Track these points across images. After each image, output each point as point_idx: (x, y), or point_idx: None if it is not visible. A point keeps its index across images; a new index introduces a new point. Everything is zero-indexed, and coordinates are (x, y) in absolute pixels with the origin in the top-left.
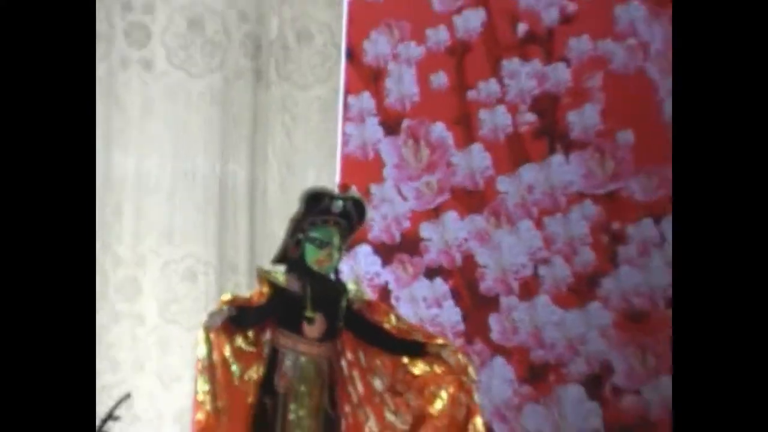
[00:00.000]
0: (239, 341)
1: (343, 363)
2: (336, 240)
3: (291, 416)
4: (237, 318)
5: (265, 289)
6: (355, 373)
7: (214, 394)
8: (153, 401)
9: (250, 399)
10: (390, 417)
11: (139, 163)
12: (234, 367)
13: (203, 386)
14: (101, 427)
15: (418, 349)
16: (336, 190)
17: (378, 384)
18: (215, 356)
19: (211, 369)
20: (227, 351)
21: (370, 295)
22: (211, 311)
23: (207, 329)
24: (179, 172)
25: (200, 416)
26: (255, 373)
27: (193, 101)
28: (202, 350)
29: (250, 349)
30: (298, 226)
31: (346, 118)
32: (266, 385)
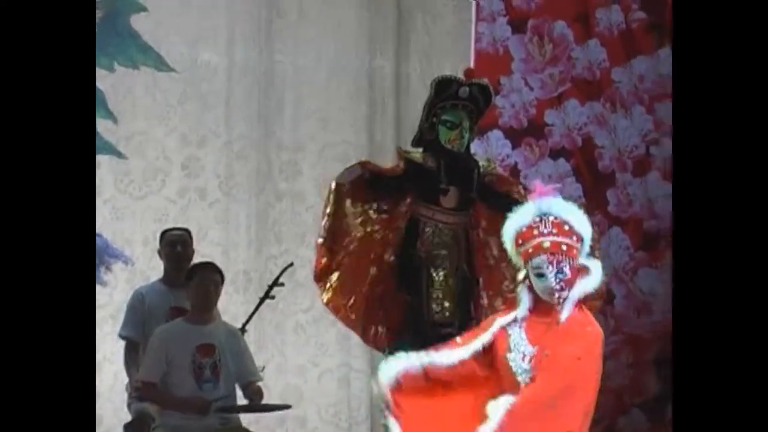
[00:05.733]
0: (369, 204)
1: (480, 231)
2: (465, 121)
3: (434, 276)
4: (371, 181)
5: (402, 165)
6: (491, 239)
7: (333, 239)
8: (313, 269)
9: (386, 256)
10: None
11: (295, 60)
12: (359, 223)
13: (324, 231)
14: (268, 291)
15: None
16: (462, 78)
17: None
18: (339, 207)
19: (334, 217)
20: (353, 206)
21: (500, 169)
22: (346, 168)
23: (337, 183)
24: (333, 67)
25: (319, 257)
26: (390, 234)
27: (343, 3)
28: (330, 199)
29: (383, 215)
30: (432, 111)
31: (478, 18)
32: (407, 248)
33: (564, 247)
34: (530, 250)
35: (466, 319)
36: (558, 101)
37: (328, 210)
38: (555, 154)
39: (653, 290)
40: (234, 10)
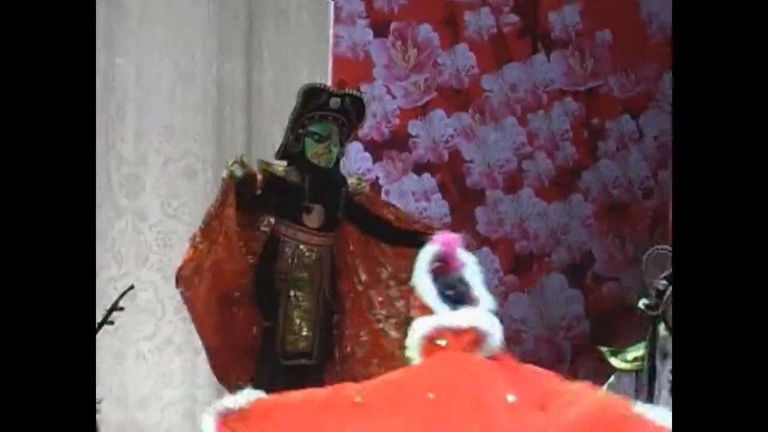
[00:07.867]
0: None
1: (347, 254)
2: (335, 135)
3: (291, 299)
4: (240, 187)
5: (263, 179)
6: (359, 263)
7: (207, 235)
8: (155, 294)
9: (243, 277)
10: (396, 303)
11: (139, 64)
12: (233, 226)
13: (201, 224)
14: (107, 317)
15: (415, 238)
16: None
17: (383, 273)
18: (224, 203)
19: (216, 211)
20: (232, 209)
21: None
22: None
23: (231, 173)
24: (178, 72)
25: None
26: (247, 252)
27: (189, 3)
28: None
29: (244, 231)
30: (298, 121)
31: (336, 20)
32: (265, 269)
33: None
34: None
35: (326, 350)
36: (423, 111)
37: (213, 203)
38: (419, 168)
39: (524, 317)
40: None
